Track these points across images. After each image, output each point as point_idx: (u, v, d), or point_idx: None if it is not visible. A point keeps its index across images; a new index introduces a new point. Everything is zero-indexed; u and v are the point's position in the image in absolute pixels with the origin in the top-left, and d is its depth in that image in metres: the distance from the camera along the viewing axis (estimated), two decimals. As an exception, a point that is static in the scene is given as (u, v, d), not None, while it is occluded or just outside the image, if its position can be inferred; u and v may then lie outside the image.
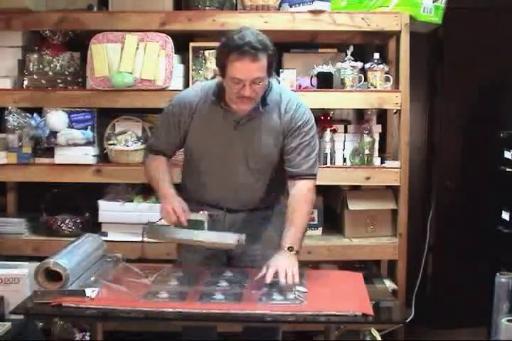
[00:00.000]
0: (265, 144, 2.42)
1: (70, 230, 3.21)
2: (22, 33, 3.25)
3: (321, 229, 3.37)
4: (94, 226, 3.22)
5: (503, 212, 3.25)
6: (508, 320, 2.45)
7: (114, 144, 3.20)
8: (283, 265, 2.22)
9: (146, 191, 3.31)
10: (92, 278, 2.27)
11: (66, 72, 3.24)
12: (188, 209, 2.34)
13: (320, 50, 3.39)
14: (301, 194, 2.42)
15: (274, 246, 2.39)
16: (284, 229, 2.36)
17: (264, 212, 2.55)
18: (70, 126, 3.18)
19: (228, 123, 2.41)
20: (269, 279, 2.19)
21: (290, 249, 2.30)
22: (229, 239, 2.27)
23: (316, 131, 2.50)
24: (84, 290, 2.12)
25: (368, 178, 3.17)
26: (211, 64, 3.22)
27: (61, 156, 3.17)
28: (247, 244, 2.34)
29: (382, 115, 3.40)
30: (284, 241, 2.33)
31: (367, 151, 3.22)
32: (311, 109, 2.49)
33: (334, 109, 3.35)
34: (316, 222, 3.34)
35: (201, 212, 2.31)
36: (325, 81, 3.21)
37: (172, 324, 2.58)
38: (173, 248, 3.13)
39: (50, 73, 3.23)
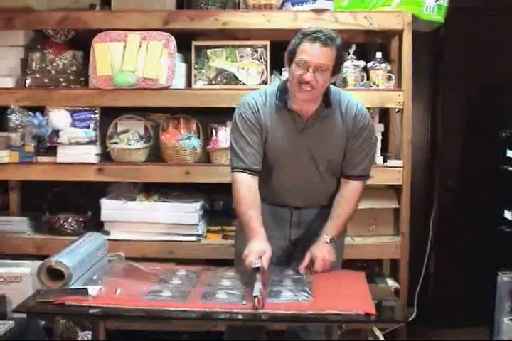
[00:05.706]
0: (332, 146, 2.47)
1: (73, 229, 3.22)
2: (24, 32, 3.25)
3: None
4: (96, 224, 3.21)
5: (506, 211, 3.25)
6: (510, 320, 2.46)
7: (116, 143, 3.20)
8: (321, 256, 2.40)
9: (148, 189, 3.32)
10: (95, 277, 2.27)
11: (68, 71, 3.24)
12: (270, 252, 2.31)
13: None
14: (350, 193, 2.52)
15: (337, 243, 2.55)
16: (328, 220, 2.49)
17: (329, 209, 2.56)
18: (73, 125, 3.19)
19: (295, 126, 2.44)
20: (303, 267, 2.39)
21: (331, 240, 2.46)
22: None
23: (374, 130, 2.58)
24: (86, 289, 2.11)
25: (370, 177, 3.17)
26: (213, 63, 3.22)
27: (63, 155, 3.16)
28: None
29: (384, 114, 3.39)
30: (325, 231, 2.48)
31: (369, 150, 3.21)
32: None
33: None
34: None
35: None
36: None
37: (174, 323, 2.58)
38: (175, 247, 3.15)
39: (53, 72, 3.23)
